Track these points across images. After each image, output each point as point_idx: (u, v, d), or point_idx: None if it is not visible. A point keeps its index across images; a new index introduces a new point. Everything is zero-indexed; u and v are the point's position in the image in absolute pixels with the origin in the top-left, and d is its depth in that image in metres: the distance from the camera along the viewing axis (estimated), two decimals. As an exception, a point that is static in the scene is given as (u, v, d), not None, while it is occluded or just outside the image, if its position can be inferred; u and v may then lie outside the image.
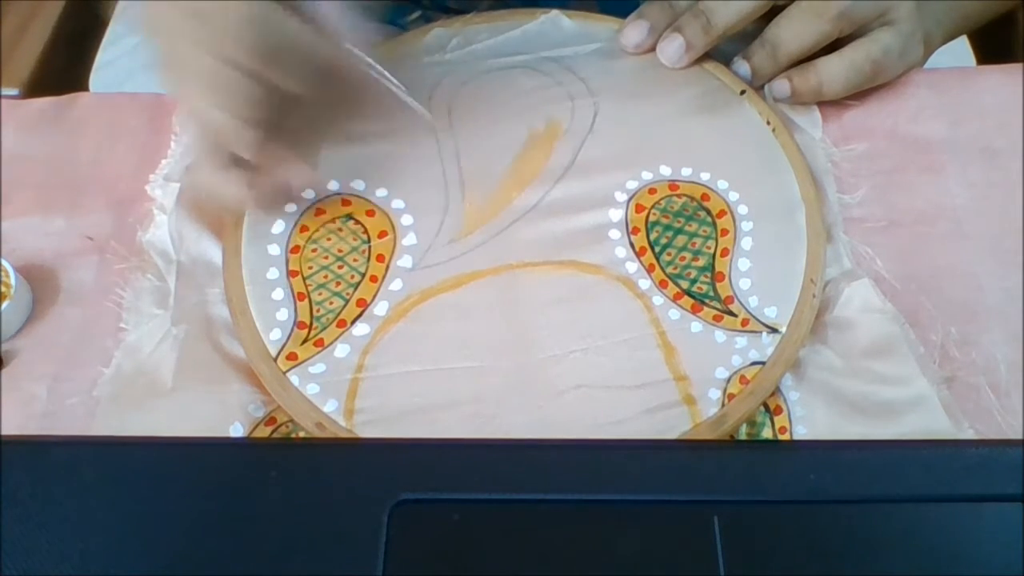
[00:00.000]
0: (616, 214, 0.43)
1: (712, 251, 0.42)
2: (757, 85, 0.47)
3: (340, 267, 0.41)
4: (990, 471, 0.31)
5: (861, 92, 0.47)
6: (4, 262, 0.41)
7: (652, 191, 0.43)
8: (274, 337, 0.39)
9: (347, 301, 0.40)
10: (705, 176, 0.44)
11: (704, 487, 0.31)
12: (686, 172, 0.44)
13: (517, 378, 0.38)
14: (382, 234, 0.42)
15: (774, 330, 0.39)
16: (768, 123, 0.46)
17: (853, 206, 0.44)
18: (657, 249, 0.42)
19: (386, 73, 0.42)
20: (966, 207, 0.44)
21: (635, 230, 0.42)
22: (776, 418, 0.38)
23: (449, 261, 0.41)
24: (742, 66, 0.47)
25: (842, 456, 0.32)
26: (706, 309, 0.40)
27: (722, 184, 0.44)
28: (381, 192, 0.43)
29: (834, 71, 0.46)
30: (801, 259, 0.41)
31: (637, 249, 0.42)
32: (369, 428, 0.37)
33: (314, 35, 0.38)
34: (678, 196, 0.43)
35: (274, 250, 0.42)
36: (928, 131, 0.47)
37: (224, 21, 0.36)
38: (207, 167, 0.40)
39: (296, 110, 0.39)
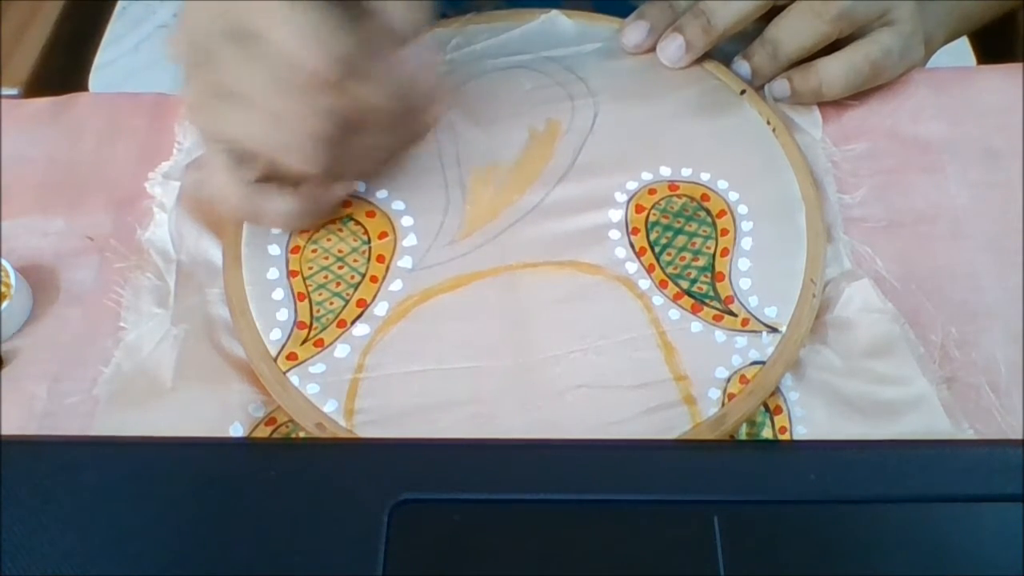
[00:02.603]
0: (616, 214, 0.43)
1: (712, 251, 0.42)
2: (757, 85, 0.47)
3: (340, 267, 0.41)
4: (990, 471, 0.31)
5: (861, 92, 0.47)
6: (4, 262, 0.41)
7: (652, 191, 0.43)
8: (274, 337, 0.39)
9: (347, 301, 0.40)
10: (705, 176, 0.44)
11: (704, 487, 0.31)
12: (686, 172, 0.44)
13: (517, 378, 0.38)
14: (382, 235, 0.42)
15: (774, 330, 0.39)
16: (768, 123, 0.46)
17: (853, 206, 0.44)
18: (657, 249, 0.42)
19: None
20: (966, 207, 0.44)
21: (635, 230, 0.42)
22: (776, 418, 0.38)
23: (449, 262, 0.41)
24: (742, 66, 0.47)
25: (842, 456, 0.32)
26: (706, 309, 0.40)
27: (722, 184, 0.44)
28: (381, 193, 0.43)
29: (834, 72, 0.45)
30: (801, 259, 0.41)
31: (637, 249, 0.42)
32: (369, 428, 0.37)
33: (389, 58, 0.35)
34: (678, 196, 0.43)
35: (274, 250, 0.42)
36: (928, 131, 0.47)
37: (291, 36, 0.32)
38: (235, 185, 0.38)
39: (359, 132, 0.37)
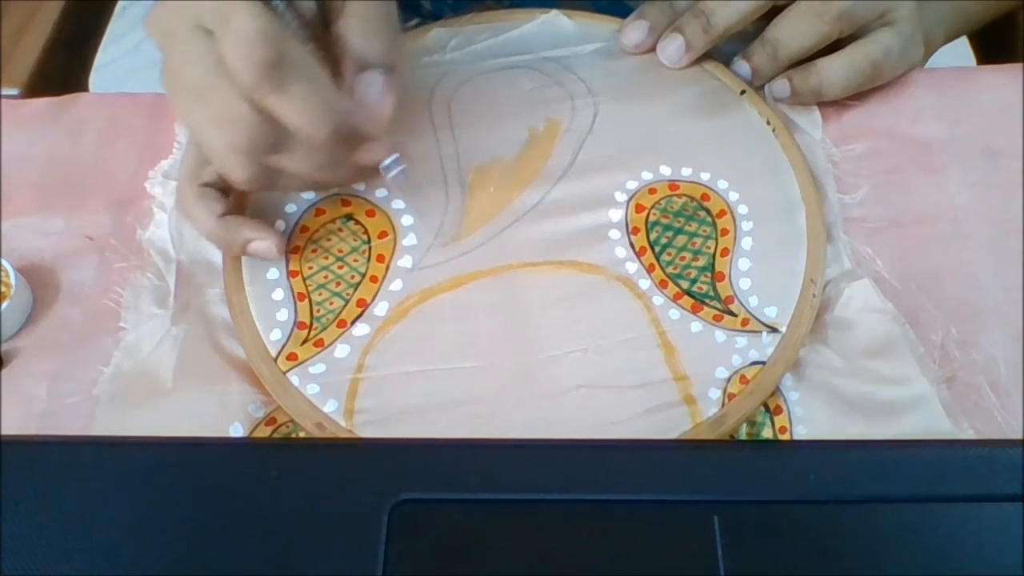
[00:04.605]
0: (616, 214, 0.43)
1: (712, 251, 0.42)
2: (757, 85, 0.47)
3: (340, 267, 0.41)
4: (990, 471, 0.31)
5: (861, 92, 0.47)
6: (4, 262, 0.41)
7: (652, 191, 0.43)
8: (274, 337, 0.39)
9: (347, 301, 0.40)
10: (705, 176, 0.44)
11: (704, 487, 0.31)
12: (686, 172, 0.44)
13: (517, 378, 0.38)
14: (382, 234, 0.42)
15: (774, 330, 0.39)
16: (768, 123, 0.46)
17: (853, 206, 0.44)
18: (657, 249, 0.42)
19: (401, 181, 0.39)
20: (966, 207, 0.44)
21: (635, 230, 0.42)
22: (776, 418, 0.38)
23: (449, 261, 0.41)
24: (742, 66, 0.47)
25: (842, 456, 0.32)
26: (706, 309, 0.40)
27: (722, 184, 0.44)
28: (381, 192, 0.43)
29: (834, 72, 0.45)
30: (801, 259, 0.41)
31: (637, 249, 0.42)
32: (369, 428, 0.37)
33: (324, 80, 0.35)
34: (678, 196, 0.43)
35: (274, 250, 0.42)
36: (928, 131, 0.47)
37: (231, 36, 0.32)
38: (188, 179, 0.40)
39: (297, 154, 0.36)
